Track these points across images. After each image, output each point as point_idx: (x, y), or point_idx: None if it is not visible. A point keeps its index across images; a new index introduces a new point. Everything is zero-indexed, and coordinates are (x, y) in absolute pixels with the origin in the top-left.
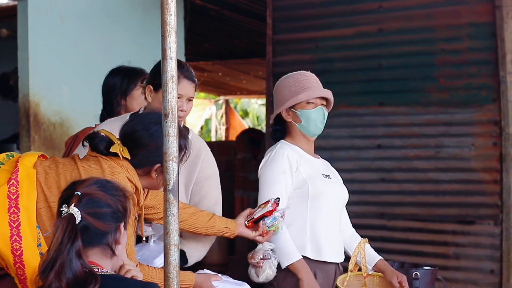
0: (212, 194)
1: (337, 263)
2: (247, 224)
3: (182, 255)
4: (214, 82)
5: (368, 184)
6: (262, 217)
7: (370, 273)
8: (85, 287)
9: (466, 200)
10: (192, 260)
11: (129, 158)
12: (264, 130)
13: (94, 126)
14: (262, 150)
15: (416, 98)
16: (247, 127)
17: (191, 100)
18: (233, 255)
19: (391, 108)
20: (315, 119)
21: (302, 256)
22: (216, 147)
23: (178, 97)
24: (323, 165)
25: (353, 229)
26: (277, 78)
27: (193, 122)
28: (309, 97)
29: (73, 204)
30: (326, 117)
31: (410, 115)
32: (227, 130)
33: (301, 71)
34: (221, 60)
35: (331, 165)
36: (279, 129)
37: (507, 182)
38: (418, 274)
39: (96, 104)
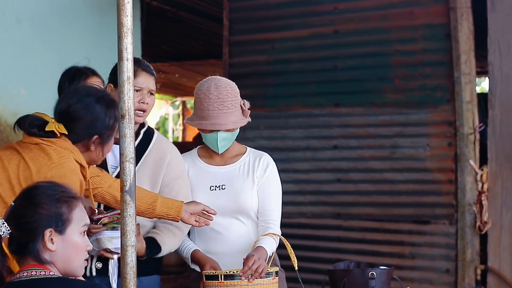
0: (183, 193)
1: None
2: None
3: (154, 243)
4: (170, 83)
5: (324, 185)
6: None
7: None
8: None
9: (422, 200)
10: (165, 248)
11: (66, 133)
12: None
13: None
14: None
15: (371, 99)
16: None
17: (153, 94)
18: None
19: (347, 109)
20: (210, 141)
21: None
22: None
23: (138, 90)
24: (226, 173)
25: (272, 225)
26: (233, 79)
27: (149, 121)
28: (198, 126)
29: (2, 217)
30: (224, 137)
31: (366, 115)
32: (183, 131)
33: (211, 85)
34: (177, 62)
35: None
36: None
37: (462, 182)
38: (375, 273)
39: (53, 105)
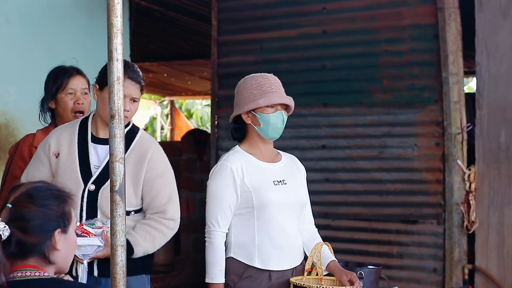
0: (164, 193)
1: (294, 268)
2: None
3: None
4: (159, 83)
5: (313, 184)
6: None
7: (324, 274)
8: None
9: (410, 199)
10: (139, 250)
11: None
12: (209, 131)
13: (35, 132)
14: (207, 151)
15: (359, 99)
16: (192, 127)
17: (136, 101)
18: (178, 255)
19: (335, 109)
20: (274, 123)
21: (250, 266)
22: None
23: None
24: (281, 170)
25: (315, 228)
26: (222, 79)
27: (138, 121)
28: (269, 103)
29: (1, 219)
30: (285, 121)
31: (354, 115)
32: (172, 130)
33: (264, 73)
34: (166, 61)
35: (301, 163)
36: (238, 128)
37: (449, 182)
38: (363, 273)
39: None
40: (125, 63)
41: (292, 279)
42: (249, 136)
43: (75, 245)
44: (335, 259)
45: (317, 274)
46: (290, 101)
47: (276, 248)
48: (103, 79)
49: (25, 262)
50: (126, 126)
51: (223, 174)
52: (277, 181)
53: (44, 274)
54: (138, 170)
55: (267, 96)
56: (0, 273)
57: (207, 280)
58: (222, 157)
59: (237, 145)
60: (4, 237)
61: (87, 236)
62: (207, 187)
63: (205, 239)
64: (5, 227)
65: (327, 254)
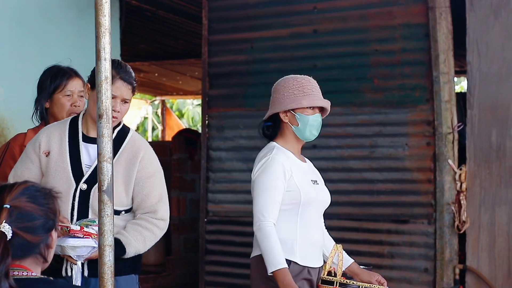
0: (154, 193)
1: (320, 266)
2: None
3: (118, 244)
4: (150, 82)
5: None
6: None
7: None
8: None
9: (401, 199)
10: (130, 250)
11: None
12: (200, 131)
13: (26, 132)
14: (198, 151)
15: (350, 98)
16: (184, 127)
17: (127, 102)
18: (169, 255)
19: None
20: (312, 125)
21: (293, 261)
22: (153, 147)
23: (112, 97)
24: (310, 170)
25: (325, 228)
26: (212, 79)
27: (129, 121)
28: (312, 104)
29: (4, 221)
30: (321, 124)
31: (345, 115)
32: (163, 130)
33: (305, 75)
34: (157, 61)
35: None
36: (271, 125)
37: (440, 182)
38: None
39: (32, 104)
40: (118, 63)
41: (334, 278)
42: (283, 134)
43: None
44: (354, 260)
45: (334, 275)
46: (329, 105)
47: (312, 245)
48: (94, 79)
49: (21, 262)
50: (117, 126)
51: (274, 167)
52: (313, 180)
53: (32, 274)
54: (129, 170)
55: (309, 98)
56: (8, 275)
57: (271, 270)
58: (266, 155)
59: (274, 142)
60: (9, 237)
61: (89, 238)
62: (256, 179)
63: (255, 232)
64: (9, 228)
65: (345, 255)
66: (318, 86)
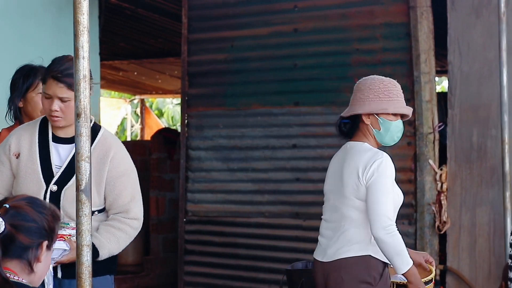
0: (126, 192)
1: None
2: None
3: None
4: (129, 81)
5: (283, 184)
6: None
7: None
8: None
9: None
10: (104, 252)
11: None
12: (179, 130)
13: (0, 130)
14: (177, 150)
15: (331, 98)
16: (163, 126)
17: (68, 100)
18: (148, 255)
19: (306, 108)
20: (394, 131)
21: (386, 263)
22: (131, 147)
23: (47, 98)
24: None
25: None
26: (192, 77)
27: (109, 121)
28: (398, 111)
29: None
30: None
31: (325, 114)
32: (142, 129)
33: (391, 78)
34: (136, 59)
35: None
36: (348, 123)
37: (421, 182)
38: None
39: (5, 102)
40: (53, 61)
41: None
42: (364, 135)
43: (49, 266)
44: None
45: None
46: (411, 112)
47: None
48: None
49: (7, 263)
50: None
51: (393, 170)
52: None
53: (14, 277)
54: (100, 169)
55: (395, 104)
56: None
57: (406, 268)
58: (376, 154)
59: (366, 143)
60: (1, 230)
61: (61, 240)
62: (375, 182)
63: (383, 235)
64: (2, 221)
65: None
66: (402, 91)
